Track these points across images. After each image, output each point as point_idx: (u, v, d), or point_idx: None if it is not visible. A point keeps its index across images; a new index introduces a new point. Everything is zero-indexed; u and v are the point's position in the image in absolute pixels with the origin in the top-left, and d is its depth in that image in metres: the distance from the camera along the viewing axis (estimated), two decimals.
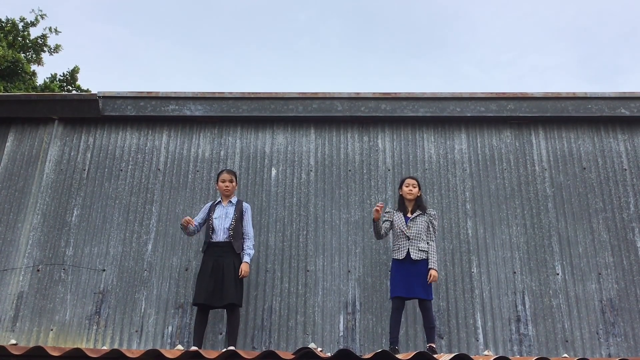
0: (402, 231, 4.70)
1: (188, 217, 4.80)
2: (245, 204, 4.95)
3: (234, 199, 4.94)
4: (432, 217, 4.79)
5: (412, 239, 4.66)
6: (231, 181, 4.94)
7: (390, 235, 4.95)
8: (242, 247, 4.78)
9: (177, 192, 5.45)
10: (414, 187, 4.82)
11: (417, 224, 4.71)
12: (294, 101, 5.62)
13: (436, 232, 4.83)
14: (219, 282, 4.55)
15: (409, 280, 4.53)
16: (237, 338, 4.62)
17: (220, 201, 4.95)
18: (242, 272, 4.63)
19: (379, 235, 4.81)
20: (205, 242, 4.78)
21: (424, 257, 4.62)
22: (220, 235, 4.74)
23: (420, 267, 4.58)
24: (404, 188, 4.85)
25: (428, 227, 4.74)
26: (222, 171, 5.04)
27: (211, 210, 4.89)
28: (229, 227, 4.74)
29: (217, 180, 5.01)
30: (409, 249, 4.62)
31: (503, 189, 5.39)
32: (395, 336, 4.50)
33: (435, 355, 3.75)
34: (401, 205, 4.89)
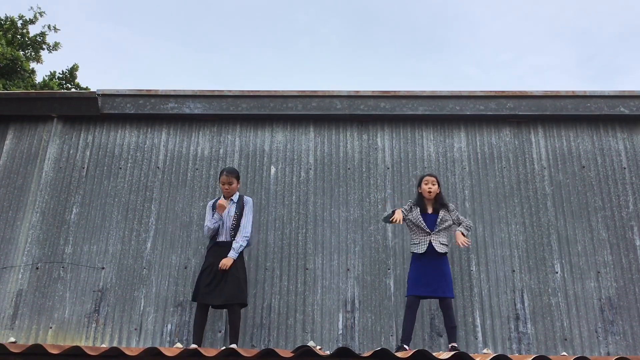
0: (422, 228, 4.63)
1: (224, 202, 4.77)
2: (246, 198, 4.92)
3: (235, 197, 4.92)
4: (452, 211, 4.74)
5: (433, 233, 4.60)
6: (230, 183, 4.86)
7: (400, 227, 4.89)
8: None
9: (176, 190, 5.45)
10: (433, 185, 4.72)
11: (444, 222, 4.65)
12: (293, 99, 5.62)
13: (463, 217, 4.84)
14: (221, 281, 4.54)
15: (431, 277, 4.47)
16: (238, 337, 4.60)
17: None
18: (221, 265, 4.54)
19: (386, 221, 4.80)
20: (211, 241, 4.79)
21: (447, 251, 4.61)
22: (223, 235, 4.74)
23: (442, 263, 4.54)
24: (423, 186, 4.74)
25: (454, 220, 4.72)
26: (222, 171, 4.94)
27: (214, 207, 4.86)
28: (231, 227, 4.74)
29: (219, 178, 4.99)
30: (430, 241, 4.56)
31: (502, 188, 5.40)
32: (408, 335, 4.43)
33: (434, 354, 3.75)
34: (420, 202, 4.77)
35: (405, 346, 4.36)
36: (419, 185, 4.82)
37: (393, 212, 4.67)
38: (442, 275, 4.51)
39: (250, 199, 4.98)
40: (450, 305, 4.47)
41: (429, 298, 4.59)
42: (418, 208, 4.73)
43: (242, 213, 4.81)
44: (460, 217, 4.78)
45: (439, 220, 4.66)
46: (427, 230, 4.61)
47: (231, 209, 4.83)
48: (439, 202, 4.76)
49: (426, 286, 4.48)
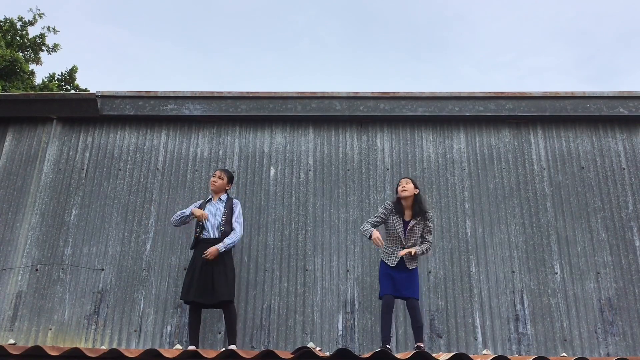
0: (399, 238, 4.58)
1: (204, 213, 4.78)
2: (235, 201, 4.95)
3: (223, 197, 4.94)
4: (428, 220, 4.64)
5: (406, 247, 4.53)
6: (220, 177, 4.94)
7: (382, 230, 4.83)
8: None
9: (175, 191, 5.45)
10: (407, 184, 4.64)
11: (414, 234, 4.58)
12: (293, 100, 5.62)
13: (432, 234, 4.71)
14: (209, 280, 4.55)
15: (399, 283, 4.45)
16: (237, 336, 4.61)
17: (210, 199, 4.97)
18: (207, 253, 4.56)
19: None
20: (195, 239, 4.79)
21: (417, 265, 4.57)
22: (210, 232, 4.75)
23: (410, 273, 4.50)
24: (398, 187, 4.68)
25: (423, 231, 4.63)
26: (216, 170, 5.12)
27: (201, 207, 4.91)
28: (220, 223, 4.75)
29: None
30: (403, 258, 4.51)
31: (502, 188, 5.40)
32: (387, 335, 4.38)
33: (434, 355, 3.75)
34: (399, 206, 4.69)
35: (388, 346, 4.27)
36: (397, 189, 4.72)
37: (371, 235, 4.52)
38: (408, 279, 4.46)
39: (239, 202, 4.99)
40: (414, 306, 4.41)
41: (397, 298, 4.52)
42: (400, 217, 4.62)
43: (230, 213, 4.83)
44: (427, 236, 4.62)
45: (407, 229, 4.58)
46: (403, 243, 4.55)
47: (219, 207, 4.85)
48: (417, 204, 4.64)
49: (394, 289, 4.45)
